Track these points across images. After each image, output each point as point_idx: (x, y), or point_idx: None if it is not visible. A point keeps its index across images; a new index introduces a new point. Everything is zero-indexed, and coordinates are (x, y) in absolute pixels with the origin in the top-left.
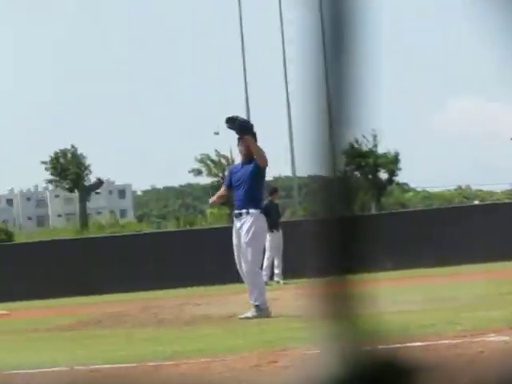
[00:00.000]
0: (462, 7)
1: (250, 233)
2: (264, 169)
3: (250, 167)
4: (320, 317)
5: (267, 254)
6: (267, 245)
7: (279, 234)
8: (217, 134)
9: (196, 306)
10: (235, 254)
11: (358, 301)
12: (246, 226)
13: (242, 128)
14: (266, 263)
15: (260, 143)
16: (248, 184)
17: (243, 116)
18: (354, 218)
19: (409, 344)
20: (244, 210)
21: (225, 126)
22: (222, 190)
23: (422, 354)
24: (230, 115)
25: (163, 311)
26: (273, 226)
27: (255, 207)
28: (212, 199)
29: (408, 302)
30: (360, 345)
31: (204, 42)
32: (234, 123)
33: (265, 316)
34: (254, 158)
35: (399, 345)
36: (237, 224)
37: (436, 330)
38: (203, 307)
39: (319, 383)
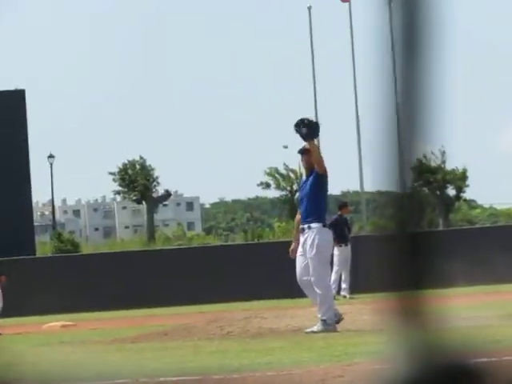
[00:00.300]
0: None
1: (314, 247)
2: (324, 177)
3: (310, 179)
4: (391, 331)
5: (335, 269)
6: (335, 259)
7: (347, 249)
8: (286, 147)
9: (263, 319)
10: (297, 265)
11: (428, 316)
12: (309, 240)
13: (308, 132)
14: (333, 277)
15: (329, 157)
16: (309, 197)
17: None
18: (424, 234)
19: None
20: (306, 225)
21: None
22: (297, 219)
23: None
24: (300, 118)
25: (230, 324)
26: (341, 240)
27: (317, 221)
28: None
29: (479, 318)
30: (430, 358)
31: (274, 54)
32: (300, 127)
33: (331, 331)
34: (314, 169)
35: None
36: (301, 239)
37: (502, 346)
38: (270, 320)
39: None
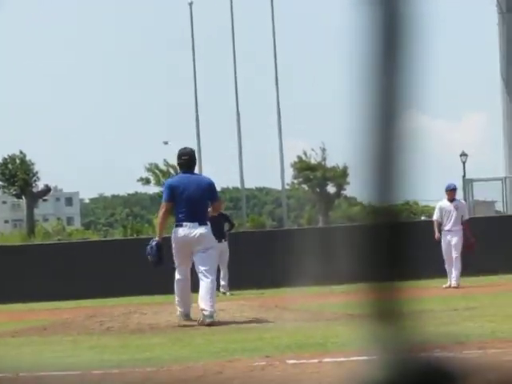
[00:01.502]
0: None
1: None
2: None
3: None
4: (366, 321)
5: None
6: None
7: (225, 245)
8: (166, 143)
9: (142, 314)
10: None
11: (404, 307)
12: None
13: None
14: None
15: (209, 154)
16: None
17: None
18: (401, 225)
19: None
20: None
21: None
22: None
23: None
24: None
25: (110, 319)
26: (217, 236)
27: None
28: None
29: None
30: (404, 350)
31: (156, 47)
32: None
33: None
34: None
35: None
36: None
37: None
38: (149, 316)
39: None
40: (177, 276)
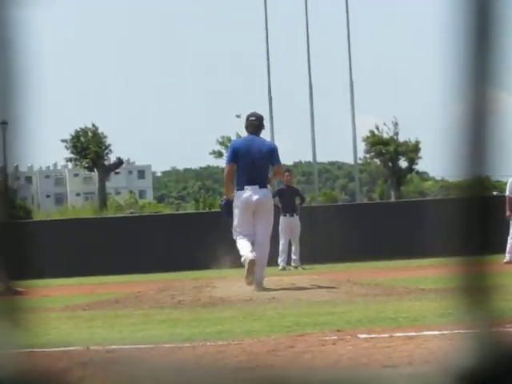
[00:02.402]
0: None
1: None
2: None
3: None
4: (457, 295)
5: (282, 240)
6: (280, 228)
7: (296, 219)
8: (238, 116)
9: (214, 288)
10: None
11: (491, 280)
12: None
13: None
14: (281, 247)
15: (282, 128)
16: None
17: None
18: (489, 200)
19: None
20: None
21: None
22: None
23: None
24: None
25: (181, 293)
26: (288, 210)
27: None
28: None
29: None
30: (492, 326)
31: (228, 23)
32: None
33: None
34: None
35: None
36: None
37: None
38: (221, 290)
39: (453, 374)
40: (238, 237)
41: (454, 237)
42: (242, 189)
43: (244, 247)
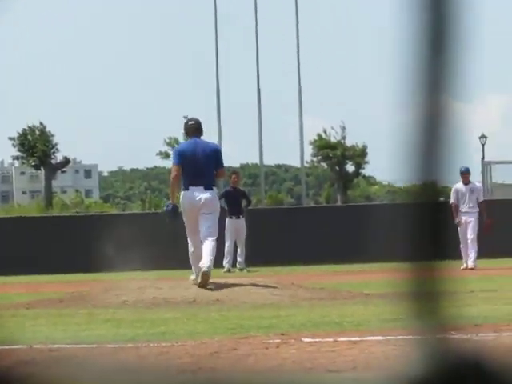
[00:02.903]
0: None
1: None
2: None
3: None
4: (405, 300)
5: (227, 241)
6: (226, 231)
7: (241, 221)
8: (186, 117)
9: (158, 289)
10: None
11: (443, 287)
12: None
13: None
14: (227, 249)
15: (229, 129)
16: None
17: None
18: (442, 204)
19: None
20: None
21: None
22: None
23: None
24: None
25: (125, 293)
26: (234, 212)
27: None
28: None
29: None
30: (441, 333)
31: (174, 22)
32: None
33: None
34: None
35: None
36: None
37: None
38: (165, 291)
39: (402, 381)
40: (190, 249)
41: (402, 241)
42: (188, 189)
43: (195, 263)
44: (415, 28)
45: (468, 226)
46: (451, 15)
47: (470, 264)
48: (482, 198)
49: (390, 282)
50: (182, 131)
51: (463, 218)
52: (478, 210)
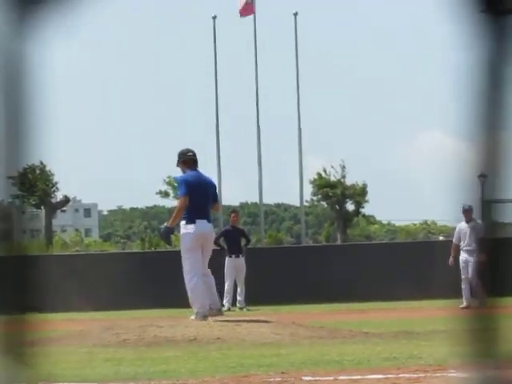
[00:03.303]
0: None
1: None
2: None
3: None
4: (458, 338)
5: (227, 280)
6: (226, 270)
7: (240, 260)
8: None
9: (158, 327)
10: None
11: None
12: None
13: None
14: (227, 288)
15: (228, 168)
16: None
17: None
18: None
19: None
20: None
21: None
22: None
23: None
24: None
25: (125, 332)
26: (233, 251)
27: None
28: None
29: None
30: (494, 369)
31: (176, 60)
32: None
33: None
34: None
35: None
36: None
37: (396, 364)
38: (165, 329)
39: None
40: (190, 283)
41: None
42: (194, 222)
43: (198, 296)
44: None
45: (469, 264)
46: None
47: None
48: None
49: (388, 321)
50: (177, 162)
51: (465, 256)
52: None
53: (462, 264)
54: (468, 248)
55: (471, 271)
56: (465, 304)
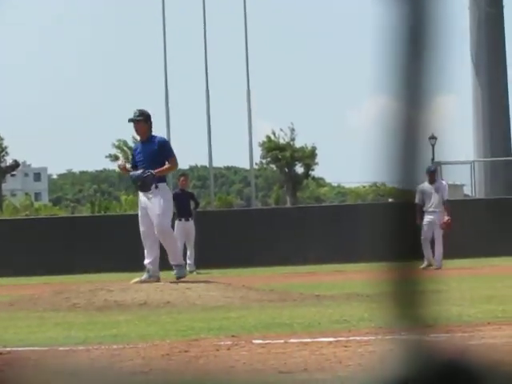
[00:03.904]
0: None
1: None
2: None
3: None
4: (384, 301)
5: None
6: (176, 233)
7: (190, 223)
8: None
9: (109, 291)
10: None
11: (421, 287)
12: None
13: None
14: None
15: (178, 132)
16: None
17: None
18: (410, 205)
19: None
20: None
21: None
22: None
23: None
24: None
25: (76, 296)
26: (183, 214)
27: (163, 181)
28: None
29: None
30: (421, 334)
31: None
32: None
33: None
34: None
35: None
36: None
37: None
38: (116, 293)
39: (384, 382)
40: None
41: (370, 242)
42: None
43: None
44: (393, 24)
45: (434, 224)
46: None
47: (438, 264)
48: (446, 197)
49: (339, 283)
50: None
51: (429, 217)
52: (442, 208)
53: (426, 226)
54: (434, 209)
55: (437, 232)
56: (425, 264)
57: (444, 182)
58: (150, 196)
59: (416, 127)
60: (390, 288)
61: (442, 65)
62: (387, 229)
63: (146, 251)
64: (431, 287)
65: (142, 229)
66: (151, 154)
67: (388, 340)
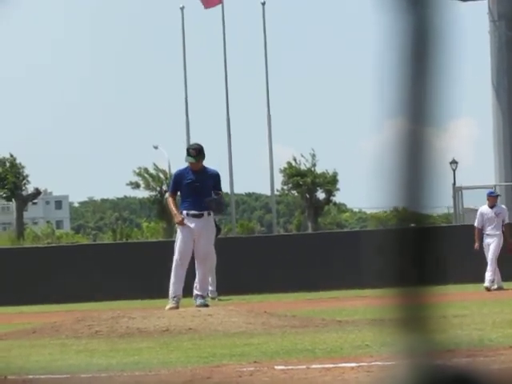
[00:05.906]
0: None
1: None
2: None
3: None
4: (392, 327)
5: None
6: None
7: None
8: (156, 147)
9: (131, 319)
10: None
11: (430, 313)
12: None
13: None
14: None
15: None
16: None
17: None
18: (427, 229)
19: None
20: (206, 212)
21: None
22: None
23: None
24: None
25: (98, 323)
26: None
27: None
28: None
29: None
30: (430, 357)
31: (145, 53)
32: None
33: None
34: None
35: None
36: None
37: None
38: (138, 320)
39: None
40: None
41: (385, 268)
42: None
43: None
44: (397, 44)
45: (490, 247)
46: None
47: (486, 284)
48: (507, 220)
49: (361, 309)
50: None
51: (487, 240)
52: (500, 231)
53: (486, 247)
54: (489, 232)
55: (490, 253)
56: (496, 286)
57: (504, 207)
58: (202, 223)
59: (421, 145)
60: (403, 313)
61: (449, 82)
62: (394, 254)
63: (176, 279)
64: (448, 312)
65: (178, 256)
66: (207, 185)
67: (403, 365)
